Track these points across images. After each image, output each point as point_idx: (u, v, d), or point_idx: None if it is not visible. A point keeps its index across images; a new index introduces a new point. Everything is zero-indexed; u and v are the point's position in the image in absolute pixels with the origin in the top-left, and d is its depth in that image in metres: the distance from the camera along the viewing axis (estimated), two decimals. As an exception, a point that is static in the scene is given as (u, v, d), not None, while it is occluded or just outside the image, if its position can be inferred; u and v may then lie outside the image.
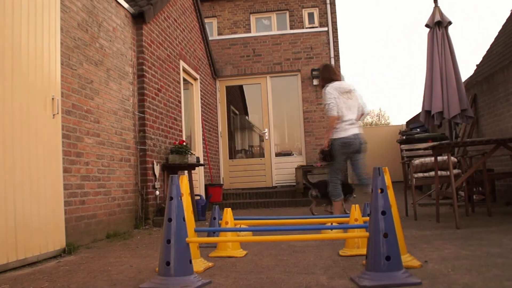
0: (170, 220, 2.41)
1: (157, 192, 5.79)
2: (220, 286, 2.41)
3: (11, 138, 3.15)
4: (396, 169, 8.49)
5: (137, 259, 3.38)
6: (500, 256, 2.79)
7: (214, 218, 3.66)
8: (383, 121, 31.42)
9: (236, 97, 10.59)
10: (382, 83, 47.40)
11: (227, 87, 10.08)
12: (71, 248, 3.76)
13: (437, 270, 2.51)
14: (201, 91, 8.51)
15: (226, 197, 8.69)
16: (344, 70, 47.29)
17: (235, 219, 3.58)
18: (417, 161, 5.34)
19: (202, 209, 6.29)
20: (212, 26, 12.89)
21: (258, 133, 10.19)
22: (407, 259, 2.63)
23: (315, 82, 9.59)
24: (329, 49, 10.88)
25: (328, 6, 12.47)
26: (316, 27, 12.18)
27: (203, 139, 8.39)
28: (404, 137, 8.84)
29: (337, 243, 3.59)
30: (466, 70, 50.55)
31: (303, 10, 12.73)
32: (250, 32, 12.50)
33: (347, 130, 4.98)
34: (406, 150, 5.96)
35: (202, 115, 8.41)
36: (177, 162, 6.08)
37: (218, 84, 9.96)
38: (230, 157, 9.86)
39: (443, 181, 5.25)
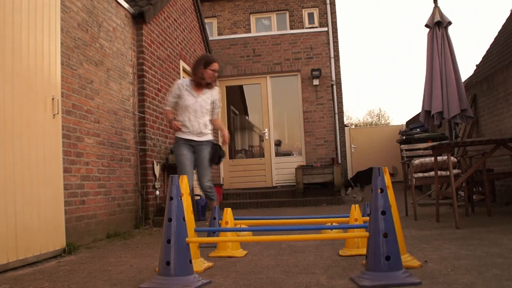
0: (170, 220, 2.41)
1: (157, 192, 5.79)
2: (220, 286, 2.41)
3: (11, 138, 3.15)
4: (396, 169, 8.50)
5: (137, 259, 3.39)
6: (500, 256, 2.80)
7: (214, 218, 3.66)
8: (383, 121, 31.41)
9: (236, 97, 10.59)
10: (382, 83, 47.40)
11: (227, 87, 10.07)
12: (71, 248, 3.76)
13: (437, 270, 2.51)
14: (201, 91, 8.50)
15: (226, 197, 8.69)
16: (344, 70, 47.33)
17: (235, 219, 3.58)
18: (417, 161, 5.34)
19: (202, 209, 6.29)
20: (212, 26, 12.90)
21: (258, 133, 10.20)
22: (407, 259, 2.63)
23: (315, 82, 9.59)
24: (329, 49, 10.88)
25: (328, 6, 12.49)
26: (316, 27, 12.19)
27: (203, 139, 8.38)
28: (404, 137, 8.84)
29: (337, 243, 3.59)
30: (466, 70, 50.57)
31: (303, 10, 12.74)
32: (250, 32, 12.51)
33: None
34: (406, 150, 5.96)
35: (202, 115, 8.40)
36: (177, 162, 6.08)
37: (218, 84, 9.96)
38: (230, 157, 9.86)
39: (443, 181, 5.25)
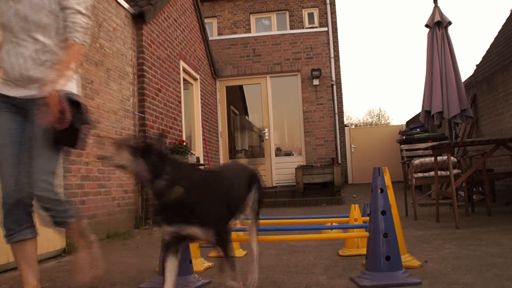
0: (170, 220, 2.41)
1: (157, 192, 5.78)
2: (220, 286, 2.41)
3: (11, 138, 3.15)
4: (396, 169, 8.50)
5: (137, 259, 3.39)
6: (500, 256, 2.80)
7: (214, 218, 3.65)
8: (383, 121, 31.37)
9: (236, 97, 10.59)
10: (382, 83, 47.39)
11: (227, 87, 10.08)
12: (71, 248, 3.76)
13: (437, 270, 2.51)
14: (201, 91, 8.51)
15: (226, 197, 8.67)
16: (344, 70, 47.31)
17: (235, 219, 3.57)
18: (417, 161, 5.35)
19: (202, 209, 6.29)
20: (212, 26, 12.89)
21: (258, 133, 10.20)
22: (407, 259, 2.63)
23: (315, 82, 9.59)
24: (329, 49, 10.88)
25: (328, 6, 12.49)
26: (316, 27, 12.19)
27: (203, 139, 8.39)
28: (404, 137, 8.84)
29: (337, 243, 3.59)
30: (466, 70, 50.52)
31: (303, 10, 12.74)
32: (250, 32, 12.51)
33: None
34: (406, 150, 5.97)
35: (202, 115, 8.41)
36: (177, 162, 6.08)
37: (218, 84, 9.96)
38: (230, 157, 9.86)
39: (443, 181, 5.26)
